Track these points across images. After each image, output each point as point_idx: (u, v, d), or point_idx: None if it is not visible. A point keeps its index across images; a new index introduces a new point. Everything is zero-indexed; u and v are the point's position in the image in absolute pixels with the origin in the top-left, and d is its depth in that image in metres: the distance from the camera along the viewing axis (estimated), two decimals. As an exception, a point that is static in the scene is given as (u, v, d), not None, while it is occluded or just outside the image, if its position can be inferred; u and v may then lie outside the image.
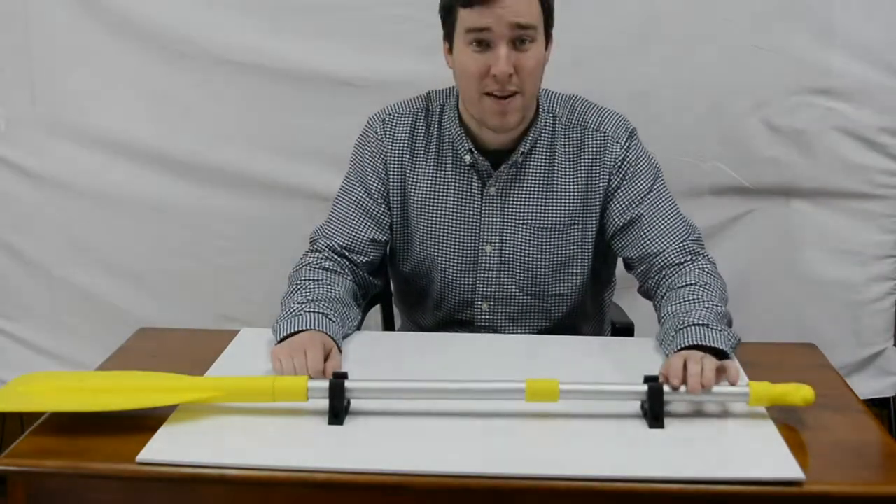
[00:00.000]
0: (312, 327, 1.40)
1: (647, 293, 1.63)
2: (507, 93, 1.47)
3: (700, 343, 1.34)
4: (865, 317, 2.27)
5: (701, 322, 1.37)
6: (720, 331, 1.36)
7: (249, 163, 2.26)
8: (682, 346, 1.34)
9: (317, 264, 1.57)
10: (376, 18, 2.14)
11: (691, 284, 1.48)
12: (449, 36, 1.53)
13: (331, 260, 1.59)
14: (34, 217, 2.33)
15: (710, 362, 1.27)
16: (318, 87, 2.19)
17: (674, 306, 1.45)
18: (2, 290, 2.40)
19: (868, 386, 2.28)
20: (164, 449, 1.11)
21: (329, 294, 1.49)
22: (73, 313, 2.38)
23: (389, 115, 1.65)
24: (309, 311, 1.42)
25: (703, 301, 1.44)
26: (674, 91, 2.14)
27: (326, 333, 1.40)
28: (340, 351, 1.41)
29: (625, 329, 1.82)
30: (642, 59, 2.13)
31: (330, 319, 1.43)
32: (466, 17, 1.46)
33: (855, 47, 2.11)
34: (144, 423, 1.15)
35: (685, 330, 1.37)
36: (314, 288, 1.49)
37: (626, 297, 1.92)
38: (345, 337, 1.47)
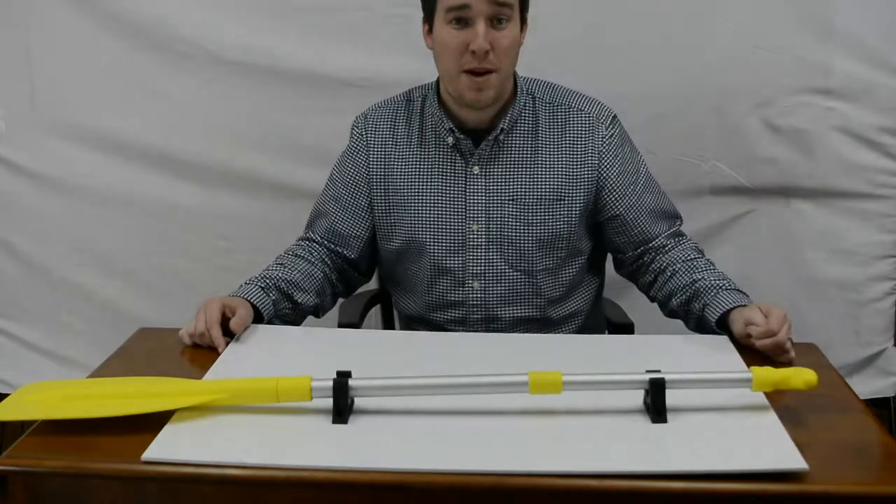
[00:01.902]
0: (241, 295, 1.54)
1: (633, 271, 1.72)
2: (483, 69, 1.54)
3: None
4: (865, 317, 2.27)
5: (739, 289, 1.55)
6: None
7: (249, 163, 2.26)
8: (735, 305, 1.49)
9: (291, 250, 1.71)
10: (376, 18, 2.14)
11: (701, 256, 1.66)
12: (429, 17, 1.59)
13: (304, 248, 1.71)
14: (34, 217, 2.33)
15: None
16: (318, 87, 2.20)
17: (699, 273, 1.60)
18: (2, 290, 2.40)
19: (868, 386, 2.28)
20: (169, 448, 1.11)
21: (279, 274, 1.62)
22: (73, 313, 2.39)
23: (371, 110, 1.74)
24: (246, 283, 1.58)
25: (720, 272, 1.61)
26: (674, 91, 2.14)
27: (248, 300, 1.53)
28: (264, 318, 1.54)
29: (624, 329, 1.82)
30: (642, 58, 2.12)
31: (261, 289, 1.57)
32: None
33: (855, 47, 2.11)
34: (145, 422, 1.15)
35: (733, 292, 1.53)
36: (272, 269, 1.64)
37: (627, 297, 1.92)
38: (292, 313, 1.64)
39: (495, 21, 1.52)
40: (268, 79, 2.20)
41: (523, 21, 1.59)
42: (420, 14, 1.62)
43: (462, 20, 1.52)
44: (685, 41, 2.12)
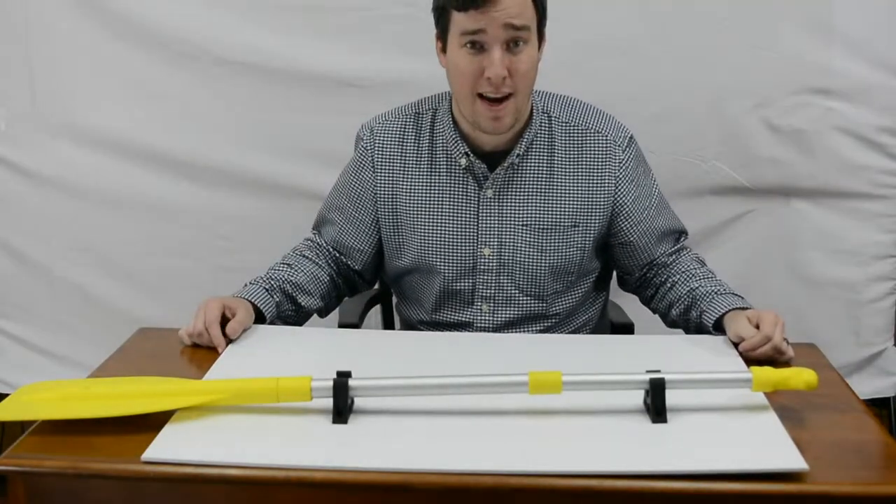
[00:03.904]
0: (244, 296, 1.54)
1: (637, 286, 1.71)
2: (500, 94, 1.49)
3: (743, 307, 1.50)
4: (865, 317, 2.27)
5: (735, 293, 1.55)
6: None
7: (249, 163, 2.26)
8: (731, 307, 1.49)
9: (299, 249, 1.70)
10: (376, 18, 2.14)
11: (700, 266, 1.64)
12: (442, 36, 1.54)
13: (312, 250, 1.69)
14: (34, 217, 2.33)
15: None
16: (318, 87, 2.20)
17: (697, 281, 1.59)
18: (2, 290, 2.40)
19: (868, 386, 2.28)
20: (170, 448, 1.11)
21: (285, 276, 1.61)
22: (73, 313, 2.38)
23: (378, 123, 1.67)
24: (251, 283, 1.58)
25: (718, 279, 1.61)
26: (674, 91, 2.14)
27: (250, 301, 1.52)
28: (266, 319, 1.53)
29: (625, 329, 1.82)
30: (642, 58, 2.13)
31: (265, 290, 1.56)
32: (461, 20, 1.46)
33: (855, 47, 2.11)
34: (145, 422, 1.15)
35: (728, 296, 1.52)
36: (278, 269, 1.63)
37: (627, 297, 1.92)
38: (295, 315, 1.63)
39: (512, 44, 1.46)
40: (268, 79, 2.20)
41: (541, 37, 1.54)
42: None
43: (477, 44, 1.47)
44: (685, 41, 2.12)
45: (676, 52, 2.13)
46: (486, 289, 1.64)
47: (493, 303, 1.65)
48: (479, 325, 1.66)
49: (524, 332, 1.66)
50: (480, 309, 1.65)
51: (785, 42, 2.11)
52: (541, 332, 1.67)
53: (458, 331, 1.68)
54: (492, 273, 1.63)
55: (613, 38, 2.12)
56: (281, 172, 2.25)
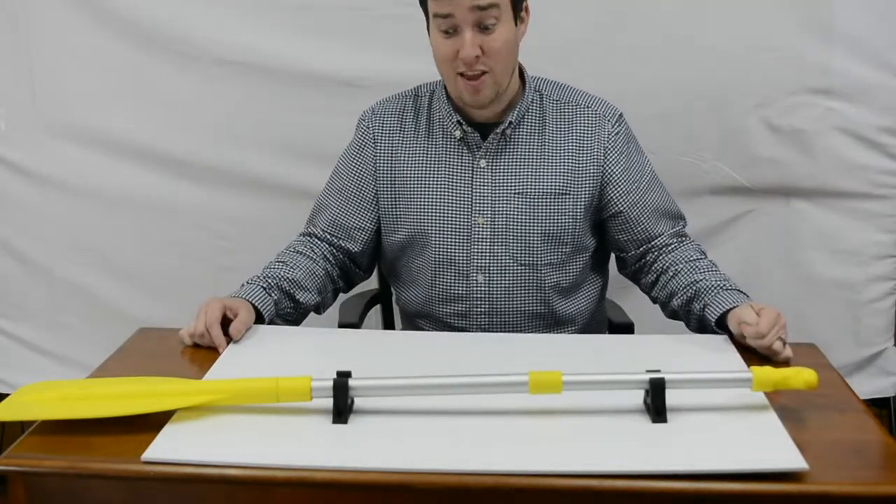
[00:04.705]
0: (242, 296, 1.54)
1: (636, 270, 1.72)
2: (475, 72, 1.56)
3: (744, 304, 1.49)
4: (865, 317, 2.27)
5: (739, 289, 1.55)
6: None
7: (249, 163, 2.26)
8: (736, 305, 1.48)
9: (292, 246, 1.71)
10: (376, 18, 2.15)
11: (703, 258, 1.66)
12: (427, 21, 1.61)
13: (305, 244, 1.71)
14: (34, 217, 2.33)
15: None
16: (318, 87, 2.20)
17: (701, 274, 1.60)
18: (2, 290, 2.40)
19: (868, 386, 2.28)
20: (169, 448, 1.11)
21: (281, 273, 1.62)
22: (73, 313, 2.39)
23: (378, 104, 1.75)
24: (248, 283, 1.59)
25: (722, 273, 1.62)
26: (674, 91, 2.14)
27: (249, 301, 1.53)
28: (265, 318, 1.54)
29: (625, 329, 1.83)
30: (642, 59, 2.13)
31: (262, 289, 1.57)
32: (433, 6, 1.55)
33: (855, 47, 2.11)
34: (145, 422, 1.15)
35: (733, 292, 1.53)
36: (274, 267, 1.64)
37: (627, 298, 1.92)
38: (294, 312, 1.64)
39: (483, 25, 1.53)
40: (268, 79, 2.20)
41: (518, 15, 1.58)
42: (420, 14, 1.63)
43: (450, 27, 1.54)
44: (685, 41, 2.12)
45: (677, 52, 2.13)
46: (481, 258, 1.67)
47: (488, 273, 1.67)
48: (475, 296, 1.68)
49: (519, 306, 1.68)
50: (476, 280, 1.67)
51: (785, 42, 2.11)
52: (536, 308, 1.69)
53: (455, 305, 1.70)
54: (486, 242, 1.66)
55: (613, 38, 2.12)
56: (281, 172, 2.25)
